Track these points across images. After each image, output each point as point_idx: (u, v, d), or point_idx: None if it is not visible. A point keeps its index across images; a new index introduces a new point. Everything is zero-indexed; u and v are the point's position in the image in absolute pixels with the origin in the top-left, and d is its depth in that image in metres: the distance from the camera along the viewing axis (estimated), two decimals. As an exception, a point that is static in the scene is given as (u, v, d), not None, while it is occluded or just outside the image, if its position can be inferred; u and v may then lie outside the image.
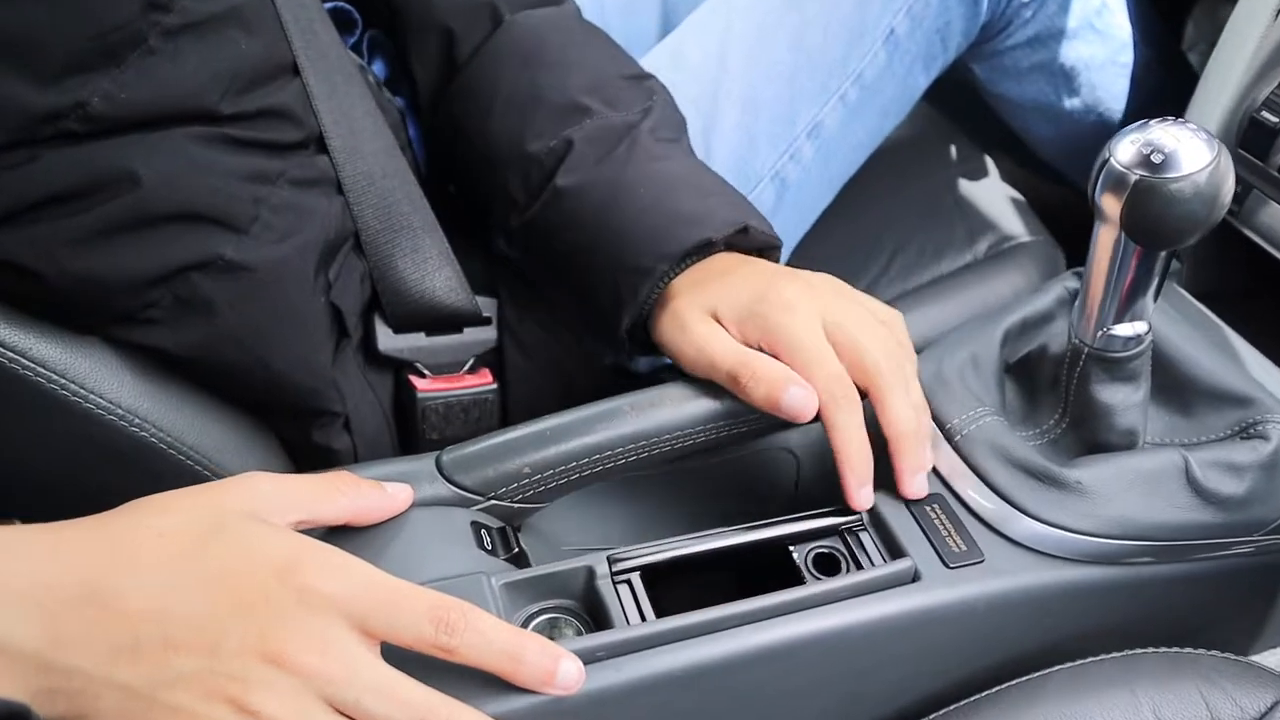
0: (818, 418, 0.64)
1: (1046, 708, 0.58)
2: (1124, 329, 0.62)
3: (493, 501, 0.62)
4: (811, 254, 0.93)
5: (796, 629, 0.57)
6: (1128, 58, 0.95)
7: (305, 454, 0.73)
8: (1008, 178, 1.00)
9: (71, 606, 0.45)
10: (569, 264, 0.73)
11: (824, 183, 0.90)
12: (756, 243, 0.71)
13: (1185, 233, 0.56)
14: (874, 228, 0.95)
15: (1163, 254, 0.59)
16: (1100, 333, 0.62)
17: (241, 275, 0.63)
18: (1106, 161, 0.56)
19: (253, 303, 0.64)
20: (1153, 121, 0.56)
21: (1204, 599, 0.69)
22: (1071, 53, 0.94)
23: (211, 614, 0.46)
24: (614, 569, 0.59)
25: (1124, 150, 0.56)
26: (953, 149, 1.01)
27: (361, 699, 0.47)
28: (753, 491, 0.75)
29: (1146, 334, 0.63)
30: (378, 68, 0.86)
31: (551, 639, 0.58)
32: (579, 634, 0.58)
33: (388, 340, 0.75)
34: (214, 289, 0.62)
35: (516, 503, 0.63)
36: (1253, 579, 0.69)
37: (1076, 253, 0.94)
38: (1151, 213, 0.55)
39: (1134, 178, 0.55)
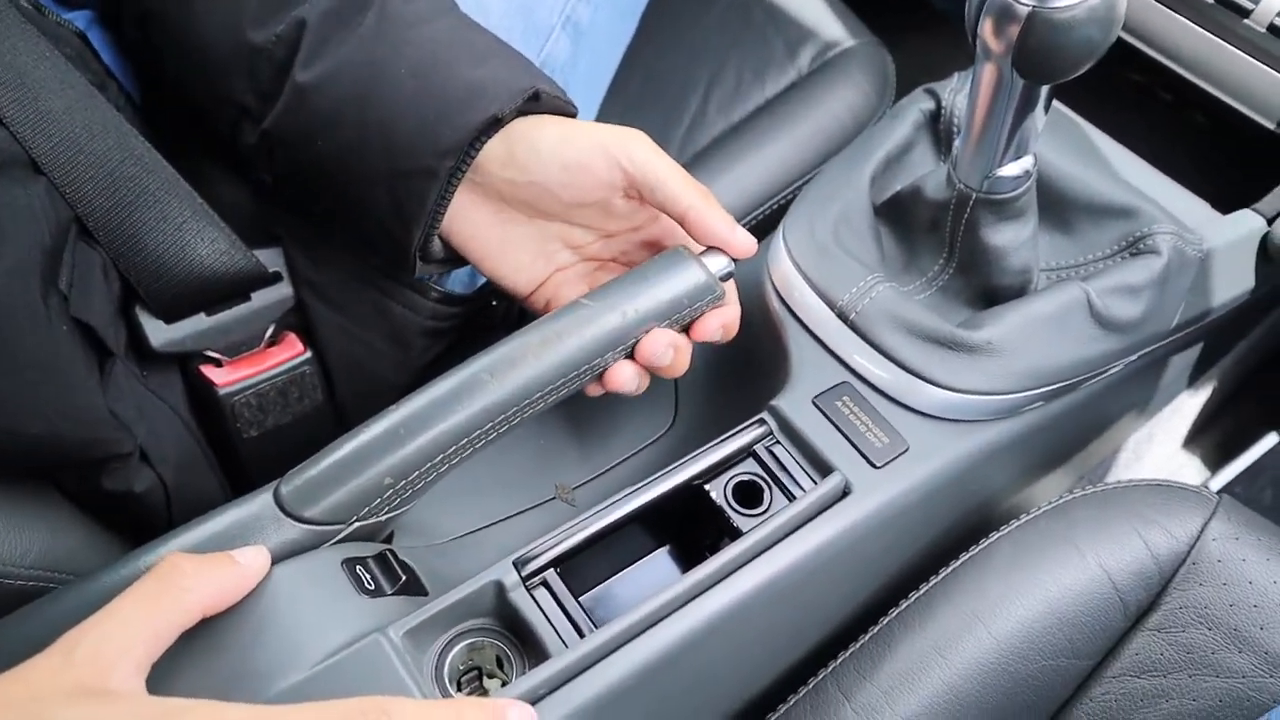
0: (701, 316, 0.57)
1: (997, 585, 0.56)
2: (1011, 169, 0.56)
3: (355, 524, 0.52)
4: (617, 105, 0.82)
5: (736, 588, 0.51)
6: None
7: (103, 506, 0.59)
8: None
9: None
10: (332, 180, 0.59)
11: (620, 18, 0.77)
12: (549, 109, 0.59)
13: (1081, 63, 0.49)
14: (681, 61, 0.83)
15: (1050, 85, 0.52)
16: (987, 177, 0.56)
17: None
18: None
19: None
20: None
21: (1094, 415, 0.68)
22: None
23: None
24: (523, 574, 0.51)
25: (1007, -26, 0.47)
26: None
27: None
28: (629, 402, 0.68)
29: (1033, 166, 0.57)
30: None
31: (478, 671, 0.51)
32: (502, 653, 0.51)
33: (161, 334, 0.61)
34: None
35: (383, 516, 0.53)
36: (1132, 383, 0.69)
37: (896, 46, 0.86)
38: (1045, 45, 0.48)
39: (1024, 9, 0.47)
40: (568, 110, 0.60)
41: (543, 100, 0.58)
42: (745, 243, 0.57)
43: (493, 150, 0.57)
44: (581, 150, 0.56)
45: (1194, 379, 0.83)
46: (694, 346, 0.61)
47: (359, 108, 0.57)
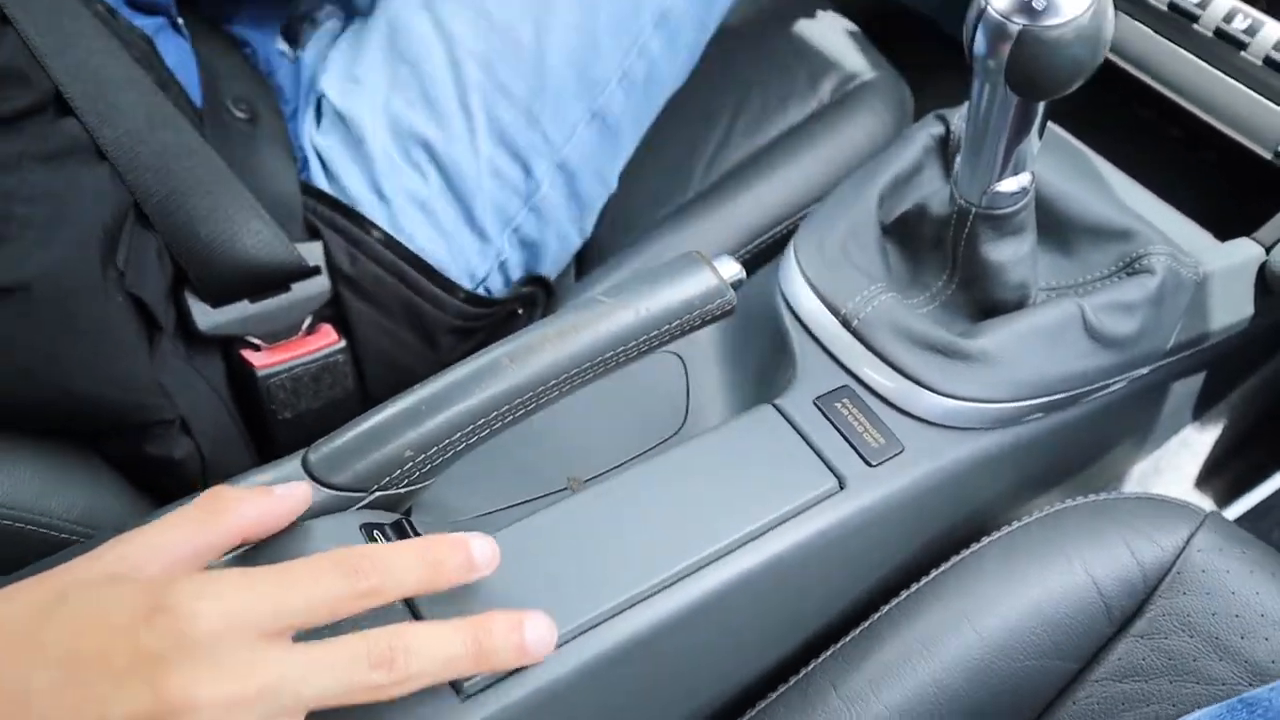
0: (711, 319, 0.60)
1: (985, 586, 0.58)
2: (1009, 184, 0.59)
3: (377, 494, 0.55)
4: (646, 133, 0.86)
5: (729, 571, 0.54)
6: None
7: (142, 469, 0.63)
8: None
9: None
10: None
11: (674, 70, 0.80)
12: None
13: (1070, 80, 0.52)
14: (707, 90, 0.87)
15: (1044, 102, 0.55)
16: (985, 192, 0.59)
17: (14, 298, 0.52)
18: (983, 11, 0.51)
19: (37, 325, 0.53)
20: None
21: (1093, 434, 0.70)
22: None
23: (78, 697, 0.37)
24: (528, 544, 0.54)
25: (1000, -4, 0.51)
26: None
27: (306, 694, 0.39)
28: (643, 403, 0.71)
29: (1030, 184, 0.60)
30: None
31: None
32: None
33: (207, 317, 0.65)
34: None
35: (403, 488, 0.56)
36: (1132, 405, 0.71)
37: (920, 85, 0.90)
38: (1035, 63, 0.51)
39: (1015, 27, 0.50)
40: None
41: None
42: None
43: None
44: None
45: (1200, 412, 0.84)
46: (705, 350, 0.65)
47: None
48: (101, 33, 0.61)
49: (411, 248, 0.70)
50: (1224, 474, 0.96)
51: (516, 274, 0.76)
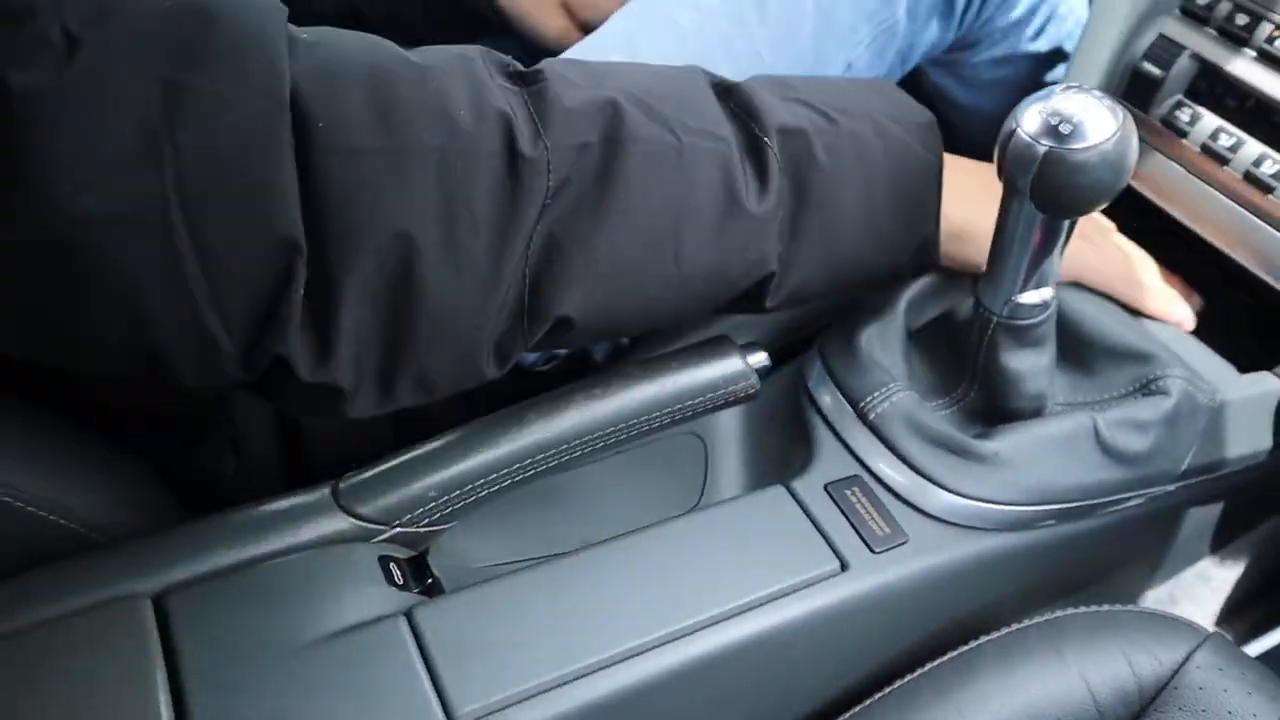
0: (734, 401, 0.64)
1: (981, 681, 0.59)
2: (1030, 297, 0.61)
3: (397, 529, 0.58)
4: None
5: (724, 637, 0.55)
6: None
7: (181, 473, 0.67)
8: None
9: None
10: None
11: None
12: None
13: (1093, 201, 0.55)
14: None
15: (1067, 221, 0.58)
16: (1008, 302, 0.62)
17: None
18: (1013, 132, 0.55)
19: None
20: (1056, 89, 0.55)
21: (1104, 550, 0.71)
22: (1040, 74, 0.92)
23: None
24: (536, 592, 0.56)
25: (1030, 120, 0.54)
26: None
27: None
28: (662, 479, 0.73)
29: (1052, 299, 0.62)
30: None
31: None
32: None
33: None
34: None
35: (423, 527, 0.59)
36: (1145, 526, 0.72)
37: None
38: (1060, 183, 0.54)
39: (1042, 149, 0.54)
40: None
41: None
42: None
43: None
44: None
45: (1219, 546, 0.84)
46: (728, 436, 0.68)
47: None
48: None
49: None
50: (1245, 614, 0.95)
51: (563, 353, 0.80)
